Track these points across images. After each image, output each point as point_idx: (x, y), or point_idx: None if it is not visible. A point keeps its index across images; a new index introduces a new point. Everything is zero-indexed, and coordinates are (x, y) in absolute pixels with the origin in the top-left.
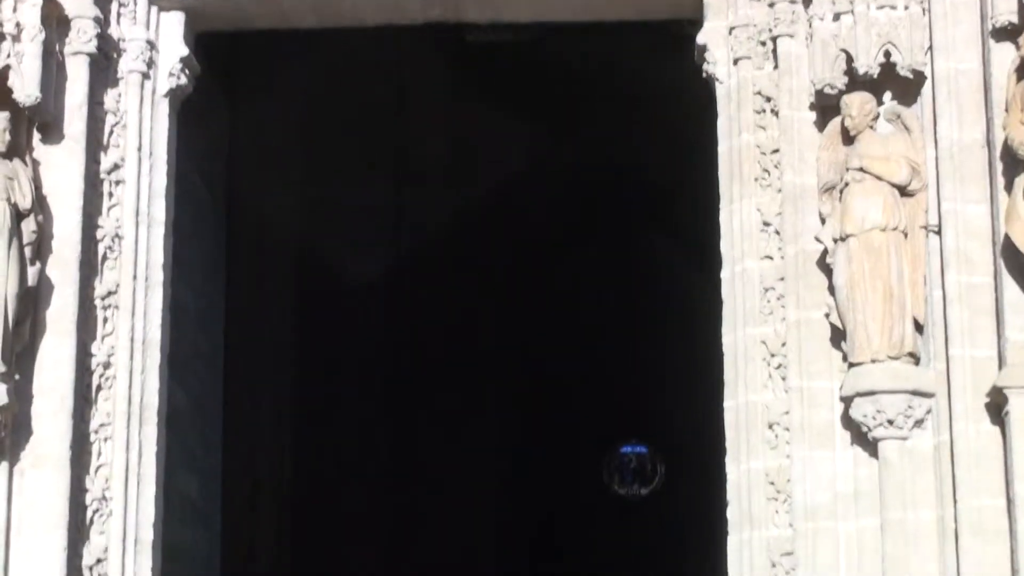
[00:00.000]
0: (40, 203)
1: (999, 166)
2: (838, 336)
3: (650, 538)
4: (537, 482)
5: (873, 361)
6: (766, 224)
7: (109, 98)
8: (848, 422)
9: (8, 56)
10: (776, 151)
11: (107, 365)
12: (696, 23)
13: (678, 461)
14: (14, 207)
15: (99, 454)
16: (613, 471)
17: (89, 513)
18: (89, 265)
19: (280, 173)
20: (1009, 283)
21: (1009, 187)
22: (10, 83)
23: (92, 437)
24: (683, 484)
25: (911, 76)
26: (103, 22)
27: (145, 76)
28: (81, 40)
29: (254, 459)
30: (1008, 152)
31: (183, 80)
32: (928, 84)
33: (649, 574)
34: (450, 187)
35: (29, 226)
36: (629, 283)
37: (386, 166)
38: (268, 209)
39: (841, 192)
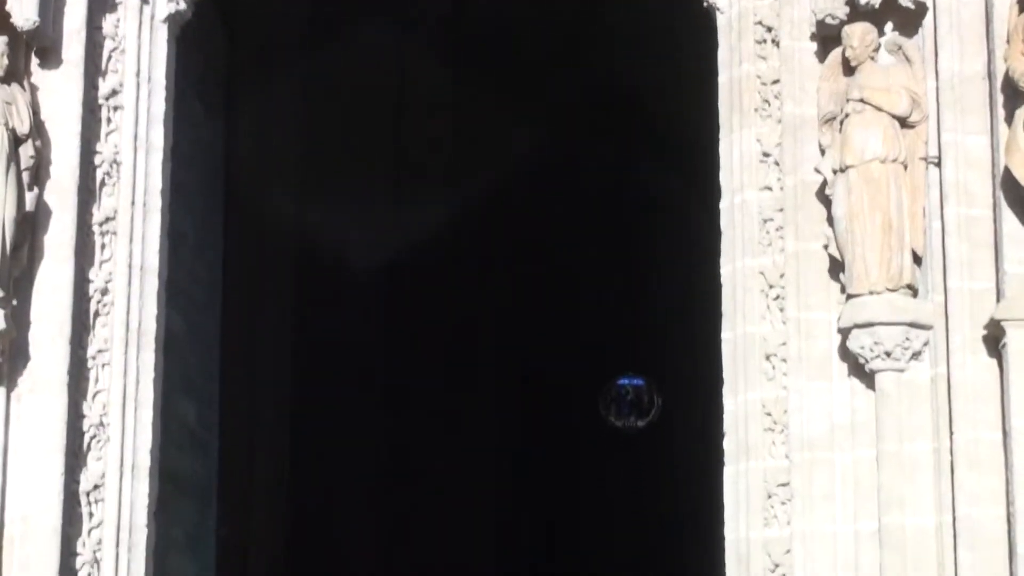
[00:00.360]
0: (38, 128)
1: (1000, 98)
2: (836, 267)
3: (646, 470)
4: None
5: (871, 293)
6: (765, 155)
7: (108, 23)
8: (846, 353)
9: None
10: (776, 81)
11: (105, 291)
12: None
13: (675, 393)
14: (12, 132)
15: (97, 380)
16: (610, 403)
17: (87, 439)
18: (87, 191)
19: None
20: (1008, 215)
21: (1009, 119)
22: (8, 7)
23: (90, 363)
24: (680, 416)
25: (912, 7)
26: None
27: (144, 1)
28: None
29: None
30: (1009, 84)
31: (182, 5)
32: (930, 15)
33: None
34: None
35: (27, 151)
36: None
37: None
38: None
39: (841, 123)
